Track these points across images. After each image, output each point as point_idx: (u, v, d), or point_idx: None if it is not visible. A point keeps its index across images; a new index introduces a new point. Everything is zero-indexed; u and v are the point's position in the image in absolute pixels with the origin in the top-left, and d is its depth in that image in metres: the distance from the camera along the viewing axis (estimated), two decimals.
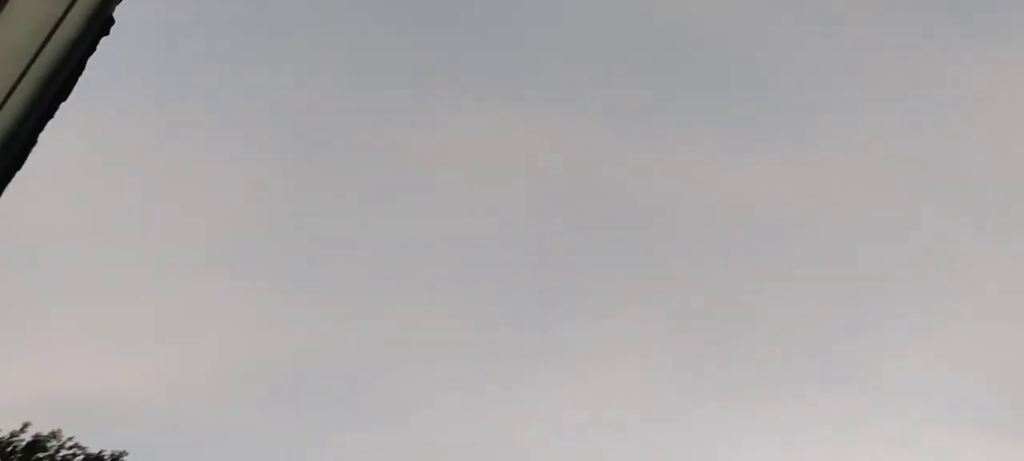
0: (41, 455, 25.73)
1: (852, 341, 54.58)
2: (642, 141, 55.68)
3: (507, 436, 48.72)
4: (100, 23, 3.68)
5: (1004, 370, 53.02)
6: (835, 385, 53.55)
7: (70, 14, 3.69)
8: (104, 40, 3.79)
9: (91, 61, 3.94)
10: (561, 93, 53.99)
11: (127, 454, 27.17)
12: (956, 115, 55.21)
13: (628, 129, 55.22)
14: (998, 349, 53.62)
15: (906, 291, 55.51)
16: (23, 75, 3.52)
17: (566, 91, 54.01)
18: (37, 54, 3.59)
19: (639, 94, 54.61)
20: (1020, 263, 55.46)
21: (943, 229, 54.12)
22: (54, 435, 26.50)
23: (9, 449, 25.54)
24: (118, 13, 3.93)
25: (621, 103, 55.28)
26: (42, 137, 3.87)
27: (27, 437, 26.04)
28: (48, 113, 3.63)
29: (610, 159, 55.13)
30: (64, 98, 3.68)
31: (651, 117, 55.45)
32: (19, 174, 3.51)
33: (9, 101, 3.47)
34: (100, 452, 26.73)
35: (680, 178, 54.72)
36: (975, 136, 54.24)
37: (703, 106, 55.91)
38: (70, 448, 26.43)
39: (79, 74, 3.71)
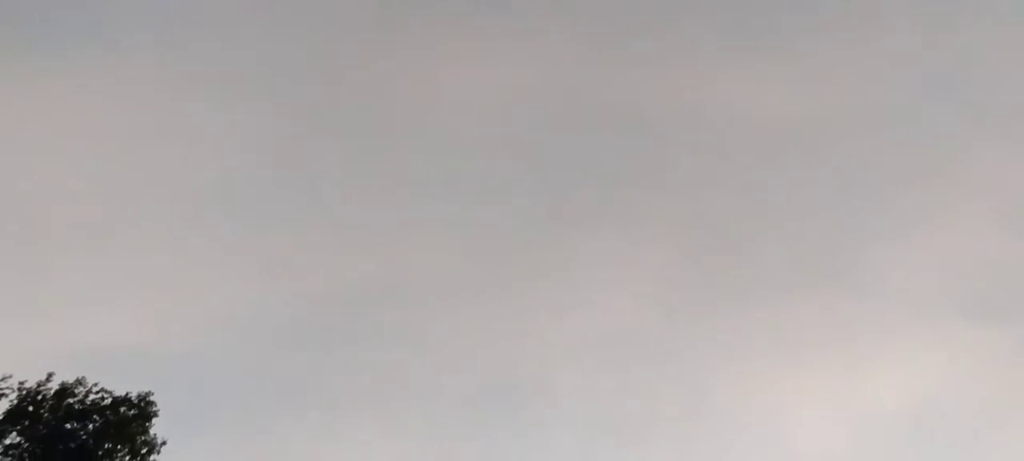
0: (71, 400, 26.55)
1: (853, 242, 55.99)
2: (638, 54, 56.07)
3: (517, 354, 49.91)
4: None
5: (995, 262, 54.79)
6: (837, 286, 55.15)
7: None
8: None
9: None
10: (554, 10, 54.03)
11: (152, 393, 28.08)
12: (955, 13, 56.05)
13: (623, 43, 55.55)
14: (990, 243, 55.38)
15: (904, 191, 56.88)
16: None
17: (559, 8, 54.03)
18: None
19: (635, 6, 54.80)
20: (1016, 158, 56.99)
21: (939, 127, 55.38)
22: (80, 382, 27.32)
23: (39, 398, 26.32)
24: None
25: (617, 17, 55.48)
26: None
27: (54, 385, 26.86)
28: None
29: (606, 75, 55.51)
30: None
31: (647, 30, 55.76)
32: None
33: None
34: (127, 394, 27.61)
35: (678, 91, 55.30)
36: (973, 33, 55.19)
37: (698, 18, 56.23)
38: (98, 393, 27.28)
39: None
